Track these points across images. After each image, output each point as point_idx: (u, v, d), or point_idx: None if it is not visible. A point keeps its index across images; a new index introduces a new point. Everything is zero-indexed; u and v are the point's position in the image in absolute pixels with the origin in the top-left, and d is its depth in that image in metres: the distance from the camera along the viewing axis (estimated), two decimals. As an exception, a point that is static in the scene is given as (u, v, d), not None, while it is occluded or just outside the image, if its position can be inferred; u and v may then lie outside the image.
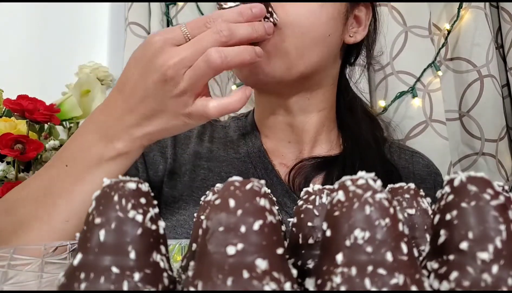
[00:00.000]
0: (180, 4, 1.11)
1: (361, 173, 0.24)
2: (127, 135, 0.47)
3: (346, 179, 0.24)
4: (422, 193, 0.34)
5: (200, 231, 0.23)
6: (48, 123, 0.88)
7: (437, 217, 0.25)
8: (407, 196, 0.33)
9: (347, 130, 0.70)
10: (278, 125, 0.68)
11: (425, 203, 0.33)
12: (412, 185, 0.34)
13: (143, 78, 0.45)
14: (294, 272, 0.23)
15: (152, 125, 0.46)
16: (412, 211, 0.33)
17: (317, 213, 0.29)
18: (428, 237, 0.32)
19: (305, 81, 0.62)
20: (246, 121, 0.73)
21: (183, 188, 0.64)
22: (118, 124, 0.46)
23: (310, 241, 0.29)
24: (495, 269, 0.21)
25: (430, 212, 0.33)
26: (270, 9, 0.52)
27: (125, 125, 0.46)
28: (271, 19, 0.51)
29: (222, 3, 0.50)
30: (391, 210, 0.22)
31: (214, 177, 0.65)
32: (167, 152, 0.67)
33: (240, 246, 0.21)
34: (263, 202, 0.22)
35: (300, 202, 0.31)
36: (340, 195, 0.23)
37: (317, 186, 0.31)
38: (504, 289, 0.21)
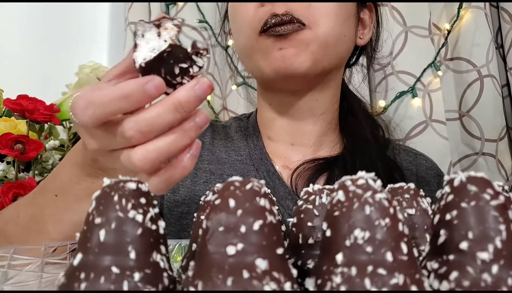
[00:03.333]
0: (180, 4, 1.10)
1: (361, 173, 0.23)
2: (109, 174, 0.40)
3: (346, 179, 0.24)
4: (422, 193, 0.34)
5: (200, 231, 0.23)
6: (48, 123, 0.87)
7: (437, 217, 0.25)
8: (407, 196, 0.33)
9: (348, 131, 0.70)
10: (283, 127, 0.68)
11: (425, 203, 0.33)
12: (412, 185, 0.34)
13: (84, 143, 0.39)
14: (294, 272, 0.23)
15: (121, 172, 0.40)
16: (412, 211, 0.33)
17: (317, 213, 0.29)
18: (428, 237, 0.32)
19: (321, 78, 0.64)
20: (248, 122, 0.73)
21: (185, 191, 0.64)
22: (96, 165, 0.42)
23: (310, 241, 0.29)
24: (495, 269, 0.21)
25: (430, 212, 0.33)
26: (190, 54, 0.31)
27: (102, 166, 0.42)
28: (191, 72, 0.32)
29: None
30: (391, 210, 0.22)
31: (216, 179, 0.65)
32: None
33: (240, 246, 0.21)
34: (263, 202, 0.22)
35: (300, 202, 0.31)
36: (340, 195, 0.23)
37: (317, 186, 0.31)
38: (504, 289, 0.21)
